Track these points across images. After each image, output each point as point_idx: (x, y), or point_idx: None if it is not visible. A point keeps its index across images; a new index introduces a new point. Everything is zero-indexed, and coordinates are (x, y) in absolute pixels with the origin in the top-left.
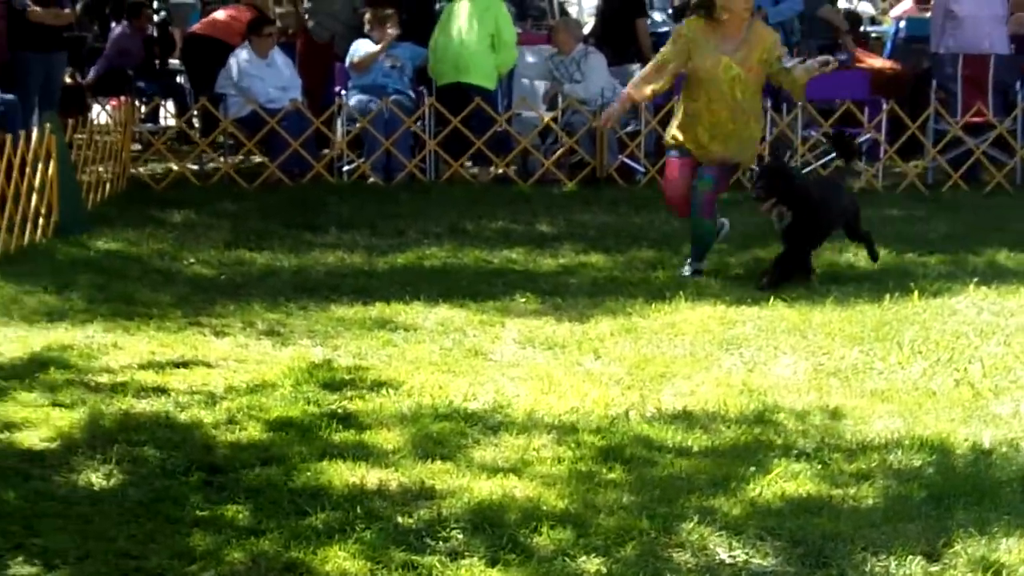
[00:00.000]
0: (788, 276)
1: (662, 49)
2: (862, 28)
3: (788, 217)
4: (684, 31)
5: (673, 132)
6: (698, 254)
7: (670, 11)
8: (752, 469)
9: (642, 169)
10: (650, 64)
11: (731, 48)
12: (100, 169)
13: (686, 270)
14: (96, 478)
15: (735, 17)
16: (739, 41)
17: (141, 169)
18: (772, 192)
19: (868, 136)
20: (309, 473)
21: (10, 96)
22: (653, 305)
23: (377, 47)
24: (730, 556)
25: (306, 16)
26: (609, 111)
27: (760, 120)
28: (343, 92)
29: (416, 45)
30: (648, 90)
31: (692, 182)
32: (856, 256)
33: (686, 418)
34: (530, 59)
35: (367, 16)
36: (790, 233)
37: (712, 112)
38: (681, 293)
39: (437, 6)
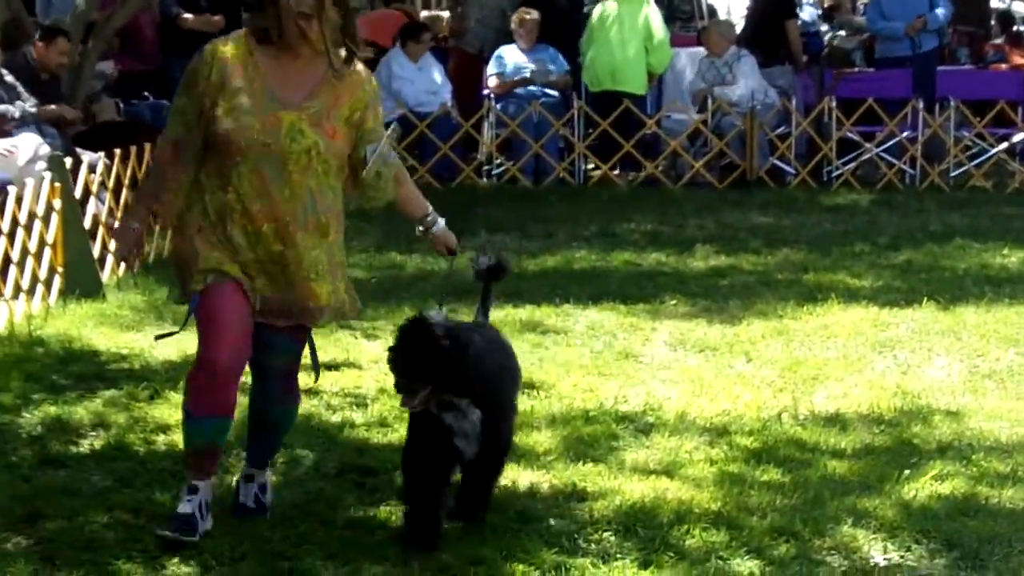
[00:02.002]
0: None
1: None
2: (1015, 28)
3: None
4: (207, 59)
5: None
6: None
7: (820, 12)
8: (906, 471)
9: (792, 171)
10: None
11: (299, 97)
12: None
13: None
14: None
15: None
16: (314, 85)
17: None
18: (426, 376)
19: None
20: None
21: (163, 102)
22: (805, 307)
23: (522, 57)
24: (884, 558)
25: (458, 22)
26: None
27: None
28: (492, 96)
29: (559, 51)
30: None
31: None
32: (1009, 257)
33: (839, 420)
34: (681, 61)
35: (513, 19)
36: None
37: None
38: (833, 295)
39: (585, 8)
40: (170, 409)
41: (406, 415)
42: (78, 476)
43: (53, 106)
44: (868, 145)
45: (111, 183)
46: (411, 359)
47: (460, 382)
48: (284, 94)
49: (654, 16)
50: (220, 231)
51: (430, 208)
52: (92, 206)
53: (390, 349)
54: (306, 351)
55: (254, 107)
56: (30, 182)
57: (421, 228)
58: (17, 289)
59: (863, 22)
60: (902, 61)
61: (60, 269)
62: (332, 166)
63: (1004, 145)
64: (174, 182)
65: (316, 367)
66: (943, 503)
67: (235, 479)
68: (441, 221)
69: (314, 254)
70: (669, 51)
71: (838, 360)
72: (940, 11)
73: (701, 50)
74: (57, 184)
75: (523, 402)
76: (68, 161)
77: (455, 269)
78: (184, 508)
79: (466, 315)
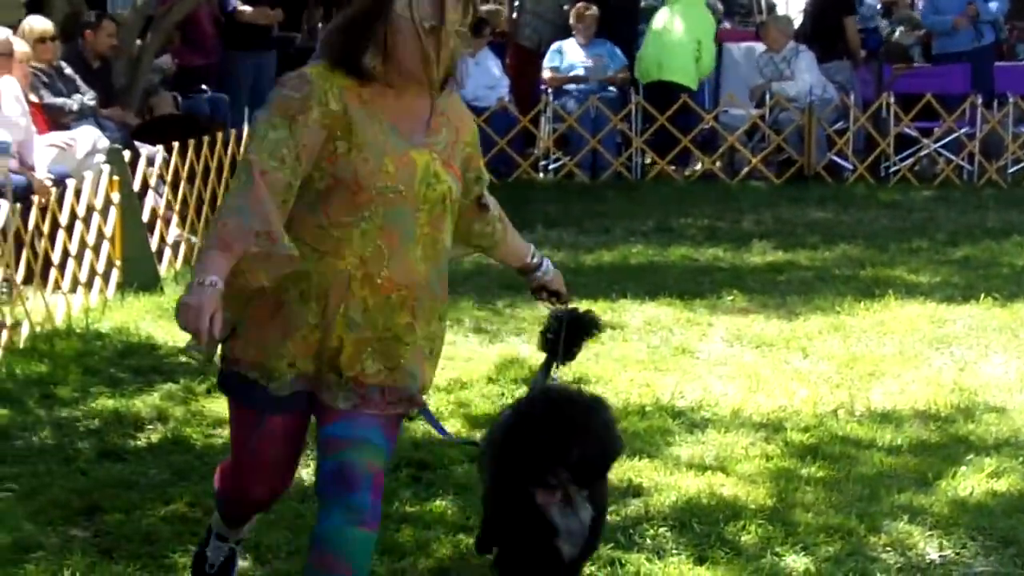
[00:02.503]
0: None
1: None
2: None
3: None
4: (318, 83)
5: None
6: None
7: (879, 7)
8: (962, 468)
9: (851, 167)
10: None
11: (420, 132)
12: None
13: None
14: (306, 474)
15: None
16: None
17: None
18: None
19: None
20: None
21: (221, 95)
22: (862, 303)
23: (580, 52)
24: (940, 555)
25: (515, 16)
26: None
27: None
28: (549, 91)
29: (616, 45)
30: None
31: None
32: None
33: (895, 417)
34: (738, 56)
35: (572, 13)
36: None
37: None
38: (891, 291)
39: (642, 3)
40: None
41: (465, 411)
42: (136, 469)
43: (114, 109)
44: (926, 141)
45: (169, 176)
46: (556, 445)
47: (598, 471)
48: (405, 128)
49: (708, 21)
50: (316, 310)
51: (532, 247)
52: (150, 199)
53: (512, 430)
54: None
55: (385, 145)
56: (89, 175)
57: (530, 273)
58: (75, 282)
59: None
60: (959, 56)
61: (118, 262)
62: (456, 214)
63: None
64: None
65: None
66: (999, 500)
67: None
68: (548, 262)
69: (434, 326)
70: (712, 63)
71: (895, 356)
72: (993, 4)
73: (759, 45)
74: (115, 177)
75: None
76: (127, 154)
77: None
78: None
79: (522, 308)
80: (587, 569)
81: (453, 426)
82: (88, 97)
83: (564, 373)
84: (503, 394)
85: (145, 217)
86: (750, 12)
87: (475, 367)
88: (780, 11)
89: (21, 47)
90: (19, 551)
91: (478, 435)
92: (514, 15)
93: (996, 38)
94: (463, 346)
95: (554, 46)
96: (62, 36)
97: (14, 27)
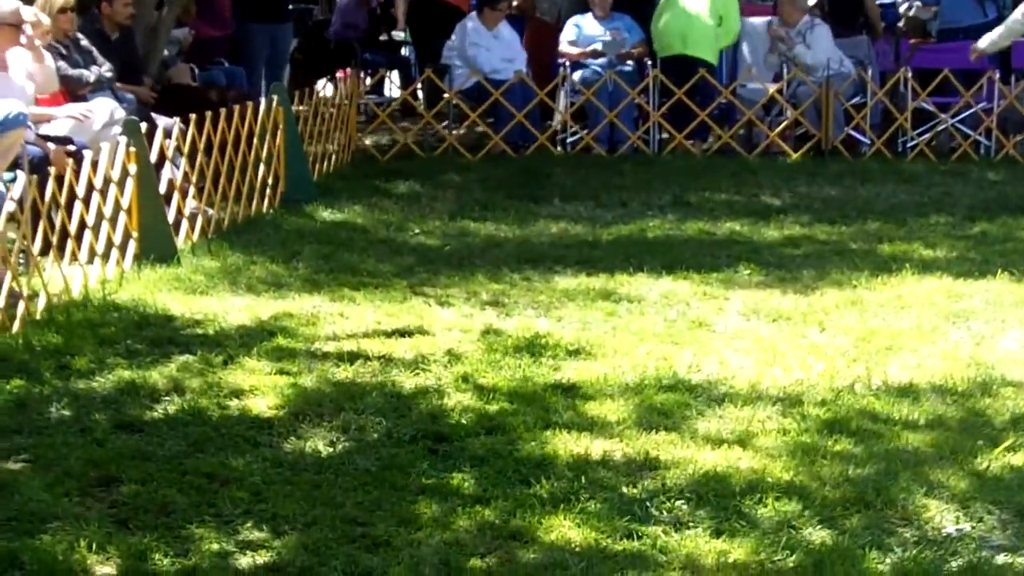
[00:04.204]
0: None
1: None
2: None
3: None
4: None
5: None
6: None
7: None
8: (979, 442)
9: (868, 141)
10: None
11: None
12: (326, 141)
13: None
14: (322, 445)
15: None
16: None
17: (366, 141)
18: None
19: None
20: (534, 443)
21: (237, 68)
22: (879, 277)
23: (598, 26)
24: (956, 529)
25: None
26: None
27: None
28: (567, 64)
29: (634, 19)
30: None
31: None
32: None
33: (912, 391)
34: (755, 30)
35: None
36: None
37: None
38: (907, 265)
39: None
40: (243, 375)
41: (480, 383)
42: (152, 440)
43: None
44: (944, 116)
45: (186, 148)
46: None
47: None
48: None
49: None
50: None
51: None
52: (167, 171)
53: None
54: None
55: None
56: (105, 146)
57: None
58: (92, 253)
59: None
60: (964, 32)
61: (135, 234)
62: None
63: None
64: None
65: None
66: (1016, 474)
67: (308, 442)
68: None
69: None
70: (735, 37)
71: (912, 331)
72: None
73: (775, 19)
74: (132, 149)
75: (596, 370)
76: (143, 126)
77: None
78: None
79: (538, 281)
80: (603, 541)
81: (476, 400)
82: (105, 68)
83: (568, 342)
84: (519, 366)
85: (162, 189)
86: None
87: (492, 340)
88: None
89: (43, 18)
90: (35, 521)
91: (492, 409)
92: None
93: (999, 14)
94: (479, 319)
95: (572, 20)
96: (78, 7)
97: None
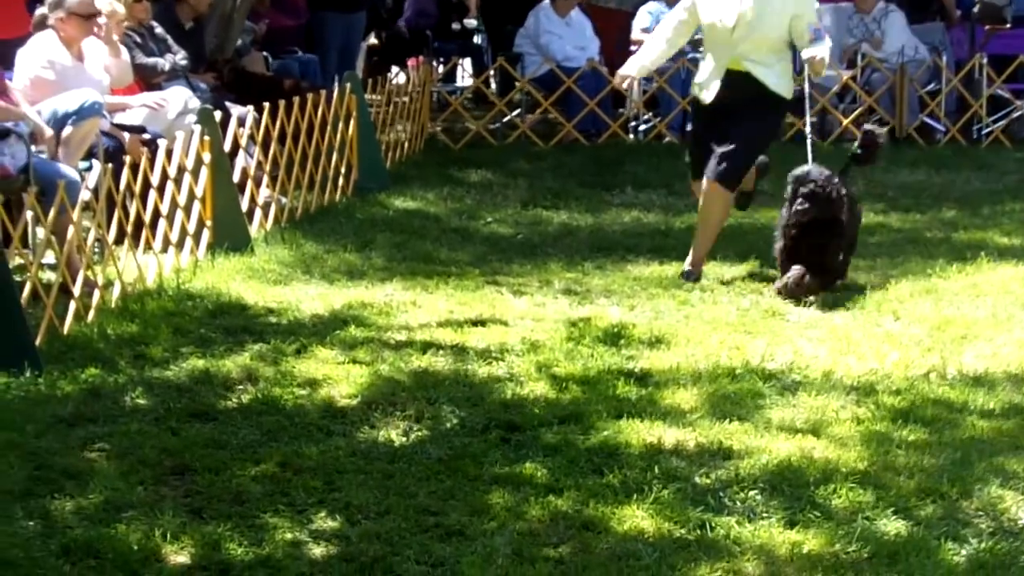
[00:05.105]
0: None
1: None
2: None
3: None
4: None
5: None
6: None
7: None
8: None
9: (943, 128)
10: None
11: None
12: (399, 129)
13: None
14: (396, 435)
15: None
16: None
17: (439, 129)
18: None
19: None
20: (606, 432)
21: (311, 56)
22: (954, 265)
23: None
24: None
25: None
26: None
27: None
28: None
29: None
30: None
31: None
32: None
33: (987, 380)
34: (828, 18)
35: None
36: None
37: None
38: (983, 253)
39: None
40: (317, 364)
41: (552, 372)
42: (226, 429)
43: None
44: (1019, 103)
45: (260, 137)
46: None
47: None
48: None
49: None
50: None
51: None
52: (241, 159)
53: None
54: None
55: None
56: (180, 135)
57: None
58: (166, 243)
59: None
60: None
61: (209, 223)
62: None
63: None
64: None
65: None
66: None
67: (381, 431)
68: None
69: None
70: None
71: (987, 319)
72: None
73: (849, 6)
74: (207, 138)
75: (669, 359)
76: (217, 114)
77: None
78: None
79: (611, 270)
80: (676, 532)
81: (549, 389)
82: (180, 57)
83: (642, 331)
84: (592, 355)
85: (236, 177)
86: None
87: (566, 329)
88: None
89: (118, 7)
90: (111, 510)
91: (564, 398)
92: None
93: None
94: (552, 307)
95: (644, 7)
96: None
97: None
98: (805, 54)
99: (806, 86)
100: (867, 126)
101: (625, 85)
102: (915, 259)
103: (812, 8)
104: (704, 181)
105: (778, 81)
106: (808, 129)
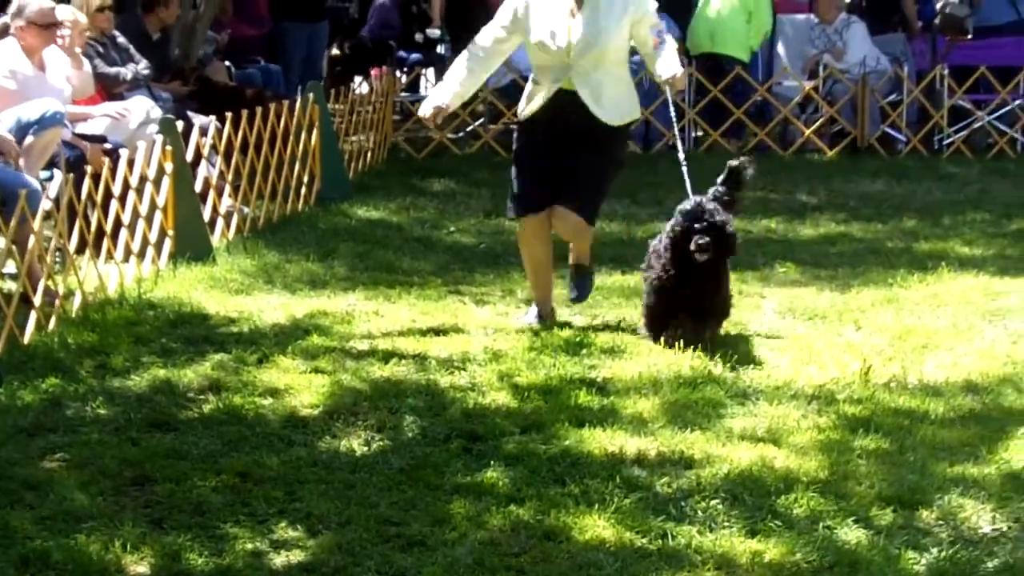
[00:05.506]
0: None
1: None
2: None
3: None
4: None
5: None
6: None
7: None
8: (1015, 441)
9: (904, 138)
10: None
11: None
12: (362, 138)
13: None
14: (357, 444)
15: None
16: None
17: (401, 139)
18: None
19: None
20: (568, 441)
21: (273, 66)
22: (915, 275)
23: None
24: (992, 528)
25: None
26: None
27: None
28: None
29: (672, 19)
30: None
31: None
32: None
33: (948, 389)
34: (790, 28)
35: None
36: None
37: None
38: (943, 263)
39: None
40: (278, 373)
41: (515, 382)
42: (187, 439)
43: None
44: (980, 113)
45: (222, 147)
46: None
47: None
48: None
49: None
50: None
51: None
52: (203, 169)
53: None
54: None
55: None
56: (142, 145)
57: None
58: (128, 252)
59: None
60: (998, 30)
61: (170, 232)
62: None
63: None
64: None
65: None
66: None
67: (342, 440)
68: None
69: None
70: (766, 34)
71: (948, 329)
72: None
73: (811, 17)
74: (168, 147)
75: (631, 368)
76: (180, 124)
77: None
78: None
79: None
80: (637, 541)
81: (510, 399)
82: (142, 67)
83: (603, 341)
84: (554, 364)
85: (198, 187)
86: None
87: (528, 338)
88: None
89: (80, 17)
90: (70, 520)
91: (526, 407)
92: None
93: None
94: (515, 317)
95: None
96: (115, 7)
97: None
98: (661, 74)
99: (669, 97)
100: (733, 162)
101: (439, 120)
102: (876, 269)
103: (652, 8)
104: (559, 209)
105: (611, 112)
106: (682, 156)
